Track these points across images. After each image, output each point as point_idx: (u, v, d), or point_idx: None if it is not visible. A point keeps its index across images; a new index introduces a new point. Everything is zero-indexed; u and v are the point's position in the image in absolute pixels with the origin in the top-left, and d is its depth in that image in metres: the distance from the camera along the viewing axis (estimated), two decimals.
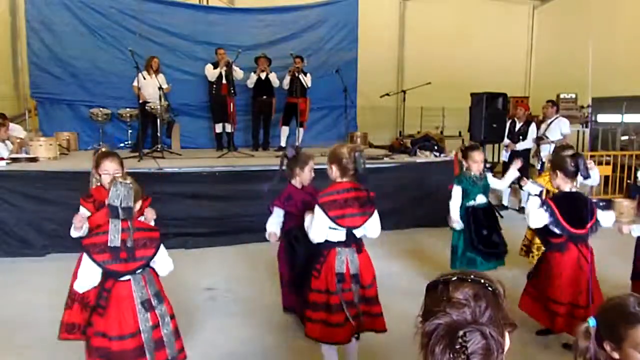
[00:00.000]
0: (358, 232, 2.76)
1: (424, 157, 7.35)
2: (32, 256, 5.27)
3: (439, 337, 1.03)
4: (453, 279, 1.12)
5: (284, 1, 9.49)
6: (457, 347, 1.00)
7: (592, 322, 1.60)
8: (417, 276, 4.79)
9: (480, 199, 4.04)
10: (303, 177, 3.48)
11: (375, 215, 2.77)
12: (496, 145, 9.47)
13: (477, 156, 4.01)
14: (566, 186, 3.26)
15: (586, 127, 9.66)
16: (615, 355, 1.58)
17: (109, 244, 2.30)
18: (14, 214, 5.34)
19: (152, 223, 3.11)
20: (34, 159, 6.08)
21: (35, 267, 5.00)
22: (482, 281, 1.11)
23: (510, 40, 12.47)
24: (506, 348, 1.08)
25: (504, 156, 7.82)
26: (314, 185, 3.52)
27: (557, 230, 3.17)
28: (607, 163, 7.95)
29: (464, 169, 4.13)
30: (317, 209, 2.68)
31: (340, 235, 2.70)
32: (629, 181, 7.89)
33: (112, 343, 2.35)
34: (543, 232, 3.28)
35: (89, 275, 2.37)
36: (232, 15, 9.37)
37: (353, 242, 2.74)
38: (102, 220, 2.49)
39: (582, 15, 11.03)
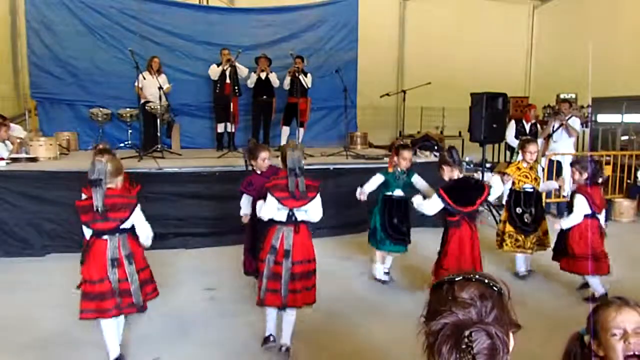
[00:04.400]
0: (299, 215, 3.24)
1: (424, 157, 7.34)
2: (32, 256, 5.27)
3: (445, 336, 1.03)
4: (458, 279, 1.11)
5: (284, 1, 9.49)
6: (463, 346, 1.00)
7: (583, 332, 1.64)
8: (416, 275, 4.79)
9: (398, 192, 4.56)
10: (258, 165, 4.08)
11: (316, 200, 3.26)
12: (496, 145, 9.47)
13: (406, 154, 4.52)
14: (454, 174, 3.86)
15: (586, 127, 9.65)
16: (600, 352, 1.60)
17: (94, 208, 2.89)
18: (14, 214, 5.34)
19: None
20: (34, 159, 6.08)
21: (35, 267, 5.00)
22: (487, 281, 1.11)
23: (510, 40, 12.46)
24: (511, 348, 1.08)
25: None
26: (273, 171, 3.98)
27: (452, 210, 3.83)
28: (607, 163, 7.94)
29: (394, 164, 4.59)
30: (267, 192, 3.22)
31: (283, 215, 3.22)
32: (629, 181, 7.89)
33: (95, 286, 2.94)
34: (443, 215, 3.93)
35: (85, 232, 3.02)
36: (232, 15, 9.35)
37: (292, 222, 3.23)
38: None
39: (582, 15, 11.03)
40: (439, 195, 3.79)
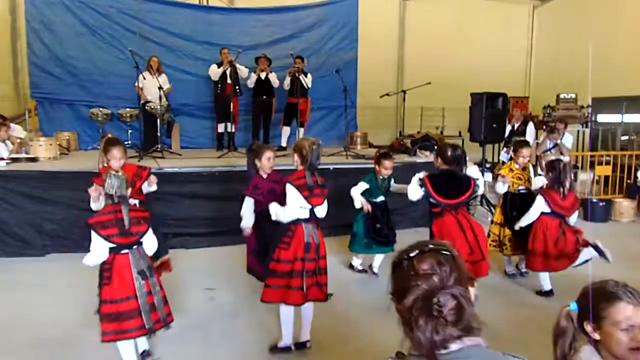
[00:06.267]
0: (317, 211, 3.31)
1: (424, 157, 7.35)
2: (32, 256, 5.27)
3: (418, 309, 1.11)
4: (413, 254, 1.19)
5: (284, 1, 9.49)
6: (435, 313, 1.10)
7: (573, 305, 1.68)
8: None
9: (380, 198, 4.74)
10: (263, 165, 3.94)
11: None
12: (496, 145, 9.48)
13: (387, 164, 4.66)
14: (444, 167, 3.88)
15: (586, 127, 9.66)
16: (596, 335, 1.64)
17: (114, 223, 2.83)
18: (14, 214, 5.34)
19: (154, 187, 3.90)
20: (34, 159, 6.08)
21: (35, 267, 5.00)
22: (439, 248, 1.20)
23: (510, 40, 12.47)
24: (473, 299, 1.19)
25: (505, 157, 7.83)
26: (277, 173, 4.02)
27: (433, 202, 3.86)
28: (607, 163, 7.94)
29: (375, 171, 4.75)
30: (291, 189, 3.19)
31: (305, 213, 3.26)
32: (629, 181, 7.89)
33: (119, 305, 2.83)
34: (428, 208, 3.97)
35: (98, 250, 2.84)
36: (232, 15, 9.35)
37: (314, 219, 3.30)
38: None
39: (582, 15, 11.03)
40: (422, 182, 3.80)
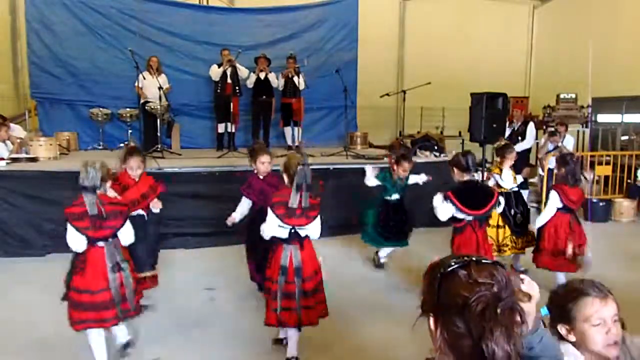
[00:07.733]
0: (302, 232, 3.14)
1: (424, 157, 7.35)
2: (32, 256, 5.27)
3: (492, 319, 1.03)
4: (465, 263, 1.10)
5: (284, 1, 9.49)
6: (508, 324, 1.04)
7: (543, 310, 1.66)
8: (418, 275, 4.79)
9: (395, 196, 4.79)
10: (257, 168, 4.00)
11: (317, 221, 3.16)
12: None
13: (406, 165, 4.67)
14: (463, 177, 3.82)
15: (586, 127, 9.65)
16: (572, 337, 1.64)
17: (89, 213, 2.86)
18: (14, 214, 5.35)
19: (157, 210, 3.89)
20: (34, 159, 6.08)
21: (35, 267, 5.00)
22: (492, 260, 1.13)
23: (510, 40, 12.46)
24: (531, 317, 1.17)
25: None
26: (275, 180, 3.88)
27: (459, 216, 3.77)
28: (607, 163, 7.94)
29: (392, 170, 4.81)
30: (268, 208, 3.11)
31: (284, 232, 3.10)
32: (629, 181, 7.89)
33: (95, 296, 2.92)
34: (450, 221, 3.86)
35: (73, 239, 2.92)
36: (232, 15, 9.36)
37: (296, 240, 3.13)
38: (134, 196, 3.63)
39: (582, 15, 11.03)
40: (448, 199, 3.72)
